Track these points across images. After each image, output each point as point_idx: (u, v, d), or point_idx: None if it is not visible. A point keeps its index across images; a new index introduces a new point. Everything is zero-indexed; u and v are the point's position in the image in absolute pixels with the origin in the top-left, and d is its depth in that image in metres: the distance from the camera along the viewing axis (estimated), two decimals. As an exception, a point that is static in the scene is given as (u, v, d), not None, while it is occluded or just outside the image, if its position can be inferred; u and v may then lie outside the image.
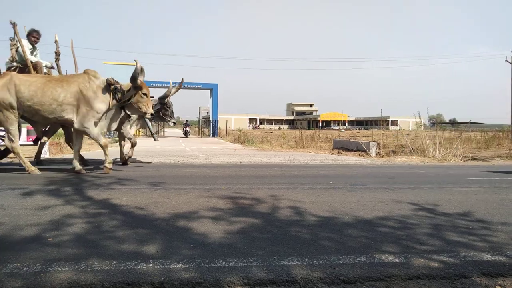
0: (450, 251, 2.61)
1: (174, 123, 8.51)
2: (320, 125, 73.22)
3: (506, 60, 25.71)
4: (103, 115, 6.64)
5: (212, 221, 3.33)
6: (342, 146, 15.08)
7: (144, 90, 6.68)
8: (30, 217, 3.38)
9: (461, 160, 10.90)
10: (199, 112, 53.26)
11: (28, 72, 6.97)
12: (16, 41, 7.01)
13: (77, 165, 6.69)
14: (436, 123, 21.20)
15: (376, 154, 12.65)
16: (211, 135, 34.21)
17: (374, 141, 14.22)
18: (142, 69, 6.63)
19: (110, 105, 6.62)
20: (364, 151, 12.68)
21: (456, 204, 4.23)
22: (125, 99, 6.61)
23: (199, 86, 35.13)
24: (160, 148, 16.29)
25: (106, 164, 6.63)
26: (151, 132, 9.38)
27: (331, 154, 13.04)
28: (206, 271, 2.20)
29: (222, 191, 4.88)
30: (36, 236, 2.85)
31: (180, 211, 3.69)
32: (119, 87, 6.61)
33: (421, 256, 2.51)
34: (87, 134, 6.71)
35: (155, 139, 10.82)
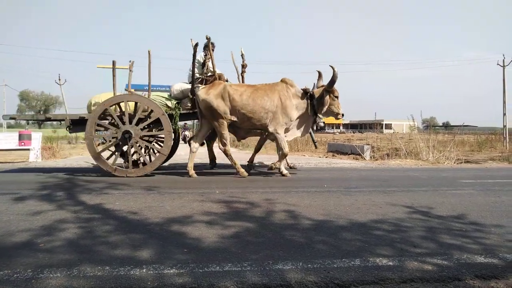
0: (443, 254, 2.62)
1: (324, 124, 8.36)
2: (315, 128, 73.14)
3: (498, 64, 26.02)
4: (297, 121, 7.10)
5: (206, 226, 3.31)
6: (336, 150, 15.12)
7: (336, 93, 7.14)
8: (22, 223, 3.34)
9: (454, 163, 10.97)
10: (194, 116, 52.95)
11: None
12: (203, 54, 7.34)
13: (283, 169, 7.14)
14: (429, 126, 21.37)
15: (371, 157, 12.70)
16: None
17: (368, 144, 14.28)
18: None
19: (309, 112, 7.05)
20: (359, 154, 12.73)
21: (450, 206, 4.24)
22: (324, 105, 7.03)
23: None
24: (154, 152, 16.19)
25: (284, 172, 7.03)
26: (312, 139, 9.28)
27: (326, 157, 13.06)
28: (200, 276, 2.18)
29: (216, 195, 4.86)
30: (27, 242, 2.82)
31: (174, 216, 3.67)
32: (313, 94, 7.04)
33: (415, 259, 2.52)
34: (275, 139, 7.06)
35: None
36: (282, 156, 7.04)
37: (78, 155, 12.96)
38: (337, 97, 7.13)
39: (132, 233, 3.07)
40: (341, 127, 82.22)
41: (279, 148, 7.06)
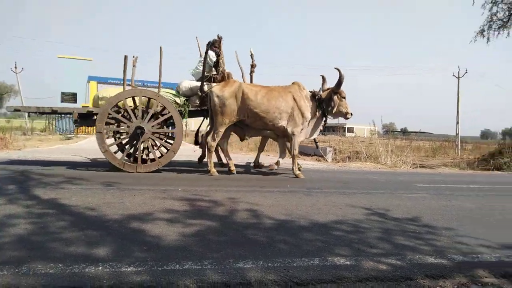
0: (397, 254, 2.73)
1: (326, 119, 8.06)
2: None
3: (453, 75, 27.50)
4: (308, 123, 7.29)
5: (167, 223, 3.25)
6: (300, 151, 15.32)
7: (343, 94, 7.30)
8: (-33, 217, 3.12)
9: (410, 167, 11.47)
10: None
11: (219, 81, 7.25)
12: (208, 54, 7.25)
13: (296, 170, 7.22)
14: (388, 131, 22.25)
15: (332, 159, 13.02)
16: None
17: (331, 147, 14.62)
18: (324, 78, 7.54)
19: (317, 114, 7.27)
20: (321, 156, 13.00)
21: (405, 209, 4.43)
22: (333, 106, 7.22)
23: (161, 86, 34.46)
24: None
25: (296, 172, 7.16)
26: (315, 141, 9.15)
27: (289, 158, 13.22)
28: (159, 274, 2.14)
29: (179, 193, 4.79)
30: (-28, 237, 2.64)
31: (133, 213, 3.57)
32: (321, 96, 7.23)
33: (371, 259, 2.61)
34: (289, 140, 7.24)
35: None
36: (294, 157, 7.24)
37: (33, 147, 12.31)
38: (344, 97, 7.33)
39: (89, 229, 2.96)
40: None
41: (291, 149, 7.26)
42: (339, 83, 7.11)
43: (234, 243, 2.82)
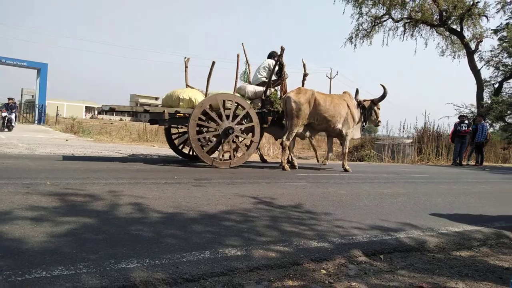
0: (285, 241, 2.82)
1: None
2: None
3: (326, 76, 30.53)
4: (355, 127, 8.60)
5: (31, 223, 2.75)
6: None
7: (379, 105, 8.83)
8: None
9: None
10: (22, 95, 47.39)
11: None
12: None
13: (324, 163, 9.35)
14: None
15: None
16: (36, 122, 29.75)
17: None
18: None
19: (362, 119, 8.68)
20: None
21: (289, 197, 4.66)
22: (373, 115, 8.82)
23: (23, 64, 29.91)
24: (-38, 133, 13.06)
25: (346, 167, 8.46)
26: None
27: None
28: (18, 286, 1.77)
29: (47, 187, 4.16)
30: None
31: (-15, 212, 2.94)
32: (365, 106, 8.63)
33: (261, 247, 2.63)
34: (343, 140, 8.53)
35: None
36: (345, 154, 8.71)
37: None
38: (379, 108, 8.89)
39: None
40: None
41: (344, 148, 8.63)
42: (382, 98, 8.64)
43: (116, 241, 2.53)
